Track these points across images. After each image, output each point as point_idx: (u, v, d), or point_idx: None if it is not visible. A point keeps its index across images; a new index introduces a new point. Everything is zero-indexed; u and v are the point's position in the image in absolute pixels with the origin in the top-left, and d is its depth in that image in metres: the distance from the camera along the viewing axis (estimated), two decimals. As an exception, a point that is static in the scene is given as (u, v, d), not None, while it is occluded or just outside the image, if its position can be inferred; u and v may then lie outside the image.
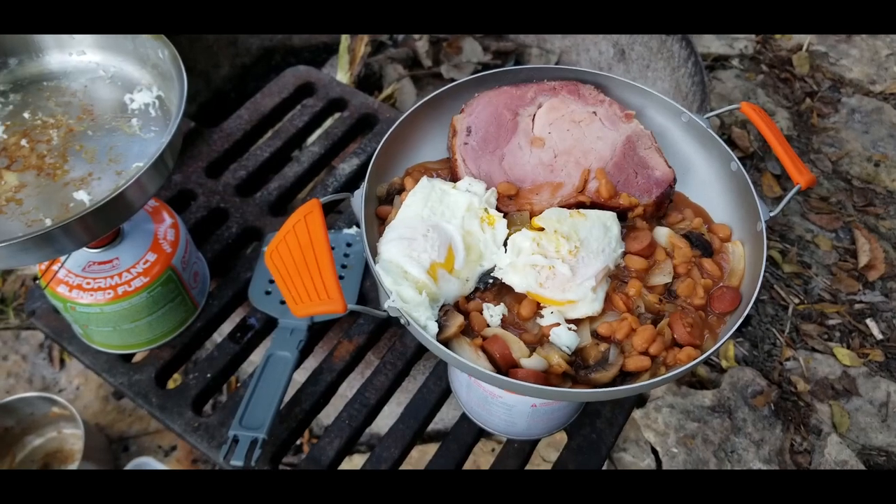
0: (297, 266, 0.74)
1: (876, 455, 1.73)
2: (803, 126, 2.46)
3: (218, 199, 1.32)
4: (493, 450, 1.66)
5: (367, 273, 1.24)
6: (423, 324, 0.74)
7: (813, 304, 2.02)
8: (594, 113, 0.90)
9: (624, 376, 0.74)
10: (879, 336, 1.94)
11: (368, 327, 1.18)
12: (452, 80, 2.13)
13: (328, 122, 1.51)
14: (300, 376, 1.12)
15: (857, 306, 2.01)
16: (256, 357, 1.24)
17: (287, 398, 1.09)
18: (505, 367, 0.74)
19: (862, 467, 1.67)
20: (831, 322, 2.00)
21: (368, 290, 1.22)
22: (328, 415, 1.30)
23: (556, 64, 2.11)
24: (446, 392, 1.13)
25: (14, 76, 1.04)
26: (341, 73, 1.84)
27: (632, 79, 1.92)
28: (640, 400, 1.79)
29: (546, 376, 0.73)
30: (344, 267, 1.22)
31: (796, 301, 2.02)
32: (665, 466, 1.71)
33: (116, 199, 0.84)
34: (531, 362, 0.72)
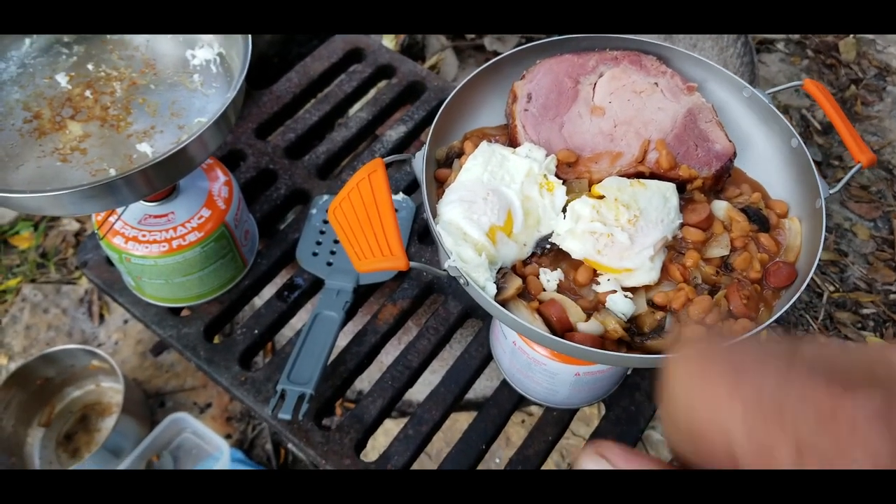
0: (360, 223, 0.75)
1: (906, 445, 1.72)
2: (847, 113, 2.42)
3: (267, 161, 1.33)
4: (522, 421, 1.68)
5: (413, 238, 1.25)
6: (482, 284, 0.75)
7: (848, 292, 2.00)
8: (655, 84, 0.90)
9: (679, 345, 0.75)
10: (914, 327, 1.92)
11: (413, 292, 1.20)
12: (496, 52, 2.12)
13: (375, 89, 1.52)
14: (344, 339, 1.14)
15: (892, 297, 1.99)
16: (300, 318, 1.26)
17: (331, 358, 1.11)
18: (561, 330, 0.75)
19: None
20: (865, 311, 1.99)
21: (413, 255, 1.24)
22: (361, 381, 1.32)
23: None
24: (487, 358, 1.15)
25: (78, 28, 1.06)
26: (386, 41, 1.84)
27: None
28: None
29: (602, 341, 0.74)
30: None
31: (831, 289, 2.01)
32: (693, 446, 1.72)
33: (179, 154, 0.85)
34: (588, 326, 0.73)
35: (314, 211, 1.25)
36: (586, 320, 0.74)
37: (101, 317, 1.92)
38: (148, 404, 1.75)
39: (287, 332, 1.51)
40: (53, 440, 1.70)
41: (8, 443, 1.63)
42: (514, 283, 0.75)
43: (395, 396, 1.11)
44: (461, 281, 0.74)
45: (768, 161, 0.90)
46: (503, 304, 0.75)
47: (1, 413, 1.62)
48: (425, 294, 1.22)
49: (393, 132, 1.39)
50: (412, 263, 0.72)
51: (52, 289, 1.97)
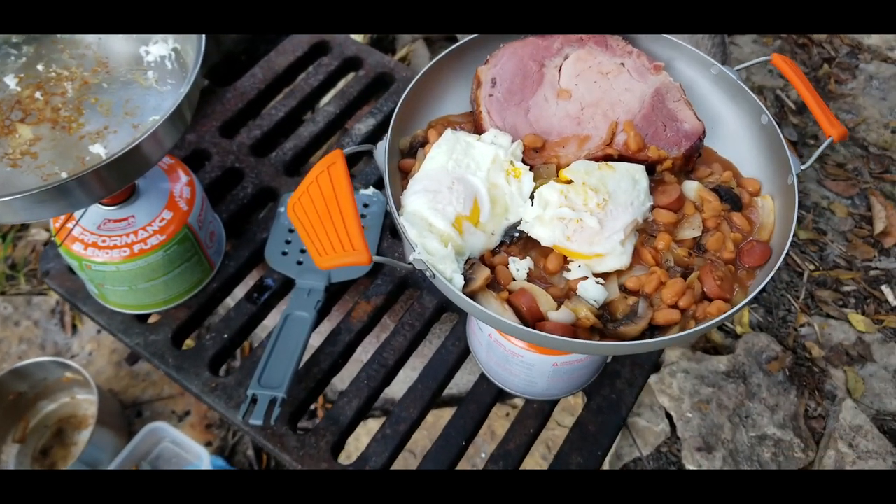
0: (320, 217, 0.72)
1: (891, 420, 1.72)
2: (821, 92, 2.41)
3: (233, 159, 1.30)
4: (507, 414, 1.66)
5: (384, 233, 1.23)
6: (449, 276, 0.72)
7: (828, 270, 2.00)
8: (622, 64, 0.88)
9: (653, 330, 0.73)
10: (894, 302, 1.92)
11: (386, 288, 1.17)
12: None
13: (343, 82, 1.49)
14: (317, 339, 1.11)
15: (872, 273, 1.99)
16: (272, 319, 1.23)
17: (304, 359, 1.08)
18: (532, 320, 0.72)
19: (877, 432, 1.67)
20: (846, 288, 1.98)
21: (385, 250, 1.21)
22: (342, 379, 1.30)
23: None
24: (465, 353, 1.13)
25: (27, 29, 1.02)
26: (355, 35, 1.81)
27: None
28: (655, 365, 1.79)
29: (574, 330, 0.72)
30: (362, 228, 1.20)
31: (811, 267, 2.01)
32: (679, 431, 1.71)
33: (133, 152, 0.82)
34: (559, 315, 0.71)
35: (282, 209, 1.22)
36: (557, 309, 0.72)
37: (74, 327, 1.88)
38: (125, 415, 1.72)
39: (262, 333, 1.48)
40: (29, 456, 1.66)
41: (-19, 460, 1.59)
42: (483, 274, 0.73)
43: (372, 396, 1.08)
44: (427, 273, 0.72)
45: (739, 139, 0.88)
46: (472, 295, 0.73)
47: (-27, 431, 1.58)
48: (400, 290, 1.20)
49: (362, 125, 1.36)
50: (375, 258, 0.69)
51: (23, 300, 1.93)
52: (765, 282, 0.72)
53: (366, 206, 1.24)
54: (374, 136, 1.36)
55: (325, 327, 1.18)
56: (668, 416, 1.74)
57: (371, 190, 1.25)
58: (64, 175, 0.87)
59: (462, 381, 1.47)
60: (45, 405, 1.71)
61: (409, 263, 0.73)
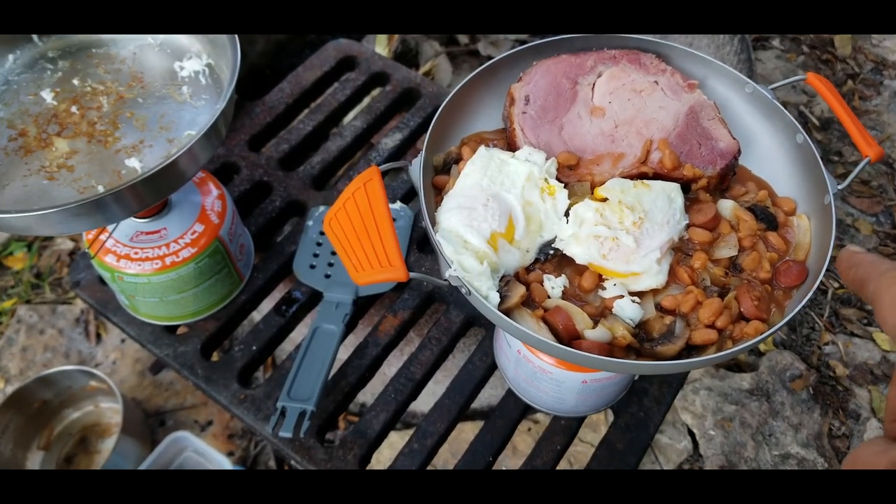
0: (357, 233, 0.73)
1: (918, 442, 1.70)
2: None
3: (261, 173, 1.31)
4: (528, 429, 1.65)
5: (411, 247, 1.23)
6: (485, 294, 0.72)
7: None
8: (656, 82, 0.88)
9: (689, 350, 0.73)
10: (922, 321, 1.90)
11: (413, 302, 1.17)
12: (490, 57, 2.10)
13: (369, 97, 1.50)
14: (344, 352, 1.12)
15: (898, 291, 1.97)
16: (299, 332, 1.23)
17: (332, 372, 1.08)
18: (567, 338, 0.72)
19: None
20: (870, 307, 1.96)
21: (413, 264, 1.21)
22: (365, 393, 1.30)
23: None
24: (491, 368, 1.12)
25: (63, 43, 1.04)
26: (379, 48, 1.82)
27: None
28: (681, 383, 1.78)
29: (610, 349, 0.71)
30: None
31: (835, 285, 1.99)
32: (702, 449, 1.69)
33: (169, 167, 0.83)
34: (595, 334, 0.71)
35: (310, 223, 1.23)
36: (593, 327, 0.72)
37: (98, 336, 1.89)
38: (148, 424, 1.73)
39: (287, 346, 1.48)
40: (54, 463, 1.67)
41: (7, 467, 1.60)
42: (518, 292, 0.73)
43: (399, 410, 1.08)
44: (463, 290, 0.72)
45: (773, 158, 0.87)
46: (507, 313, 0.73)
47: (-2, 437, 1.60)
48: (426, 304, 1.20)
49: (388, 140, 1.37)
50: (412, 274, 0.70)
51: (48, 309, 1.95)
52: (802, 302, 0.72)
53: (393, 220, 1.24)
54: (401, 150, 1.37)
55: (352, 340, 1.18)
56: (691, 434, 1.73)
57: (398, 204, 1.26)
58: (100, 189, 0.88)
59: (484, 396, 1.47)
60: (69, 413, 1.72)
61: (446, 280, 0.73)
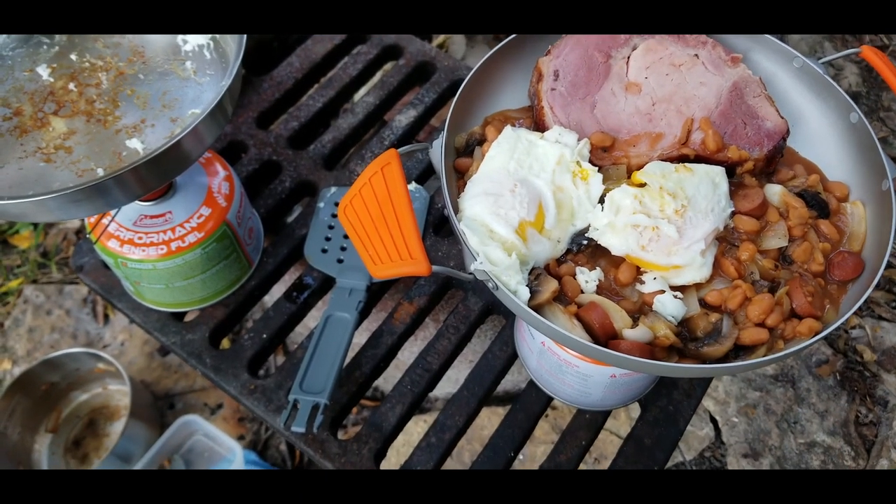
0: (374, 223, 0.67)
1: (950, 430, 1.64)
2: (873, 82, 2.31)
3: (270, 152, 1.25)
4: (546, 415, 1.61)
5: (427, 231, 1.17)
6: (514, 289, 0.67)
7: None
8: (696, 56, 0.81)
9: (737, 351, 0.67)
10: (953, 304, 1.84)
11: (430, 288, 1.12)
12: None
13: (381, 72, 1.43)
14: (359, 339, 1.06)
15: (929, 273, 1.90)
16: (312, 317, 1.18)
17: (346, 362, 1.03)
18: (604, 337, 0.67)
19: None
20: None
21: (429, 248, 1.16)
22: (380, 377, 1.25)
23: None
24: (512, 358, 1.07)
25: (60, 15, 0.97)
26: (391, 19, 1.75)
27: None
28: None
29: (651, 349, 0.66)
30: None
31: (865, 266, 1.92)
32: (724, 436, 1.65)
33: (172, 149, 0.77)
34: (636, 333, 0.65)
35: (322, 204, 1.17)
36: (633, 326, 0.66)
37: (106, 317, 1.85)
38: (157, 406, 1.69)
39: (301, 329, 1.44)
40: (61, 446, 1.65)
41: (15, 450, 1.58)
42: (550, 286, 0.67)
43: (415, 402, 1.03)
44: (490, 285, 0.66)
45: (824, 138, 0.81)
46: (537, 309, 0.67)
47: (6, 420, 1.56)
48: (443, 290, 1.14)
49: (402, 117, 1.30)
50: (435, 268, 0.64)
51: (55, 289, 1.91)
52: (862, 299, 0.66)
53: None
54: (416, 128, 1.30)
55: (366, 327, 1.13)
56: (713, 420, 1.68)
57: (413, 185, 1.20)
58: (100, 171, 0.82)
59: (512, 379, 1.41)
60: (77, 395, 1.69)
61: (470, 274, 0.67)
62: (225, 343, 1.64)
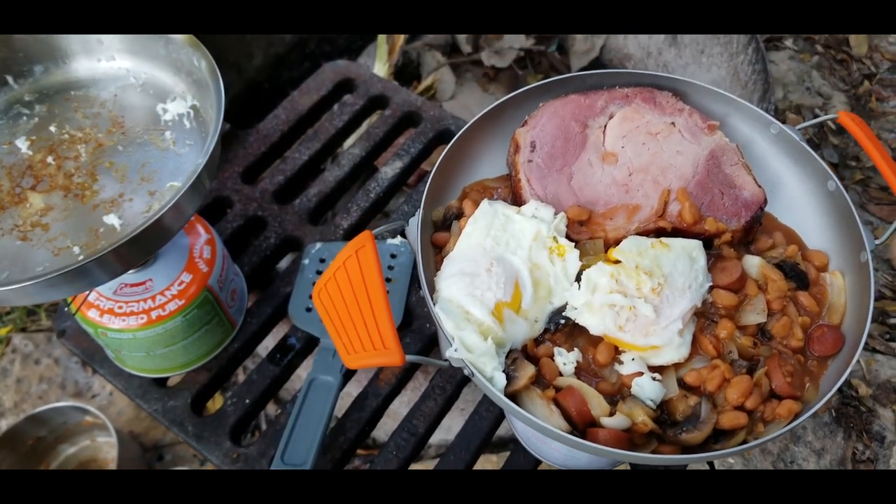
0: (348, 308, 0.66)
1: (946, 467, 1.63)
2: (861, 110, 2.32)
3: (255, 207, 1.25)
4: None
5: (412, 287, 1.16)
6: (490, 375, 0.66)
7: (874, 301, 1.90)
8: (672, 124, 0.81)
9: (717, 435, 0.66)
10: (948, 338, 1.83)
11: (416, 347, 1.11)
12: (493, 66, 2.03)
13: (367, 122, 1.43)
14: (343, 400, 1.05)
15: (922, 305, 1.90)
16: (298, 379, 1.17)
17: (330, 427, 1.02)
18: (582, 424, 0.66)
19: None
20: (893, 321, 1.89)
21: (414, 305, 1.15)
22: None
23: (601, 50, 1.99)
24: (499, 419, 1.06)
25: (39, 85, 0.97)
26: (379, 63, 1.75)
27: (684, 65, 1.81)
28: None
29: (629, 436, 0.65)
30: (388, 280, 1.14)
31: (857, 300, 1.91)
32: (720, 479, 1.63)
33: (152, 226, 0.76)
34: (613, 422, 0.64)
35: (306, 261, 1.17)
36: (610, 414, 0.65)
37: (95, 365, 1.84)
38: (145, 458, 1.67)
39: (289, 385, 1.42)
40: (49, 500, 1.62)
41: (1, 507, 1.56)
42: (527, 372, 0.67)
43: (402, 468, 1.02)
44: (466, 372, 0.65)
45: (802, 205, 0.80)
46: (515, 395, 0.67)
47: (-8, 477, 1.54)
48: (430, 346, 1.13)
49: (388, 169, 1.30)
50: (409, 357, 0.63)
51: (44, 337, 1.89)
52: (842, 379, 0.65)
53: (393, 256, 1.17)
54: (401, 179, 1.30)
55: (353, 388, 1.12)
56: (709, 463, 1.66)
57: (399, 240, 1.19)
58: (76, 249, 0.81)
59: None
60: (65, 449, 1.67)
61: (445, 360, 0.66)
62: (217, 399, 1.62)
